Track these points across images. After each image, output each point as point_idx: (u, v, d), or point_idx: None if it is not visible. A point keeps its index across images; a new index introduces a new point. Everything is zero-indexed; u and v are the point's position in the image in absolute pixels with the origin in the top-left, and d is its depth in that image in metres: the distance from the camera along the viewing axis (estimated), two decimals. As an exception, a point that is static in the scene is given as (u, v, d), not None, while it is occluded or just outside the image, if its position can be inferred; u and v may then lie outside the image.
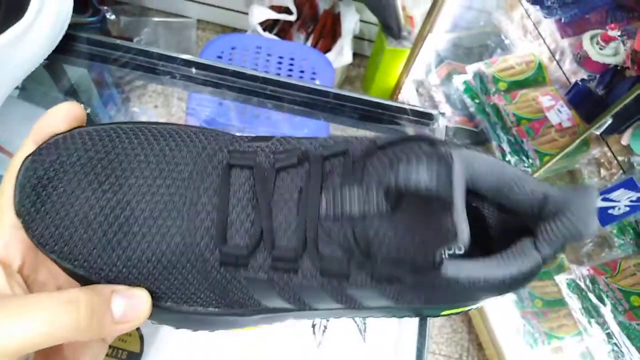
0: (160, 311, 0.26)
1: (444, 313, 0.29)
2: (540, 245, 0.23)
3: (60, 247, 0.24)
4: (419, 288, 0.24)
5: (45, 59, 0.44)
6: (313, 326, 0.42)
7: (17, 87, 0.48)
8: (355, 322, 0.42)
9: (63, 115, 0.26)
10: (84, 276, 0.25)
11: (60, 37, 0.45)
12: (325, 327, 0.42)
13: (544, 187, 0.24)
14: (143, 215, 0.24)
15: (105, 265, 0.24)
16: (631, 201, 0.90)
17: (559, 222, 0.23)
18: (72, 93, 0.54)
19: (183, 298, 0.26)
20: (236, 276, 0.25)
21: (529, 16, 1.10)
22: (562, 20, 1.02)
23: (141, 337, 0.39)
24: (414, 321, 0.42)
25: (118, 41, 0.48)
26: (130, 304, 0.24)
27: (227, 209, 0.25)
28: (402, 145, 0.24)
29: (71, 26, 0.46)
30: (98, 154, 0.25)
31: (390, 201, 0.23)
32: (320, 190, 0.24)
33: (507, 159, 1.15)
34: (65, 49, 0.47)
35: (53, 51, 0.44)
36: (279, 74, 1.07)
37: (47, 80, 0.51)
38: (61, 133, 0.26)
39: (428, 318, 0.42)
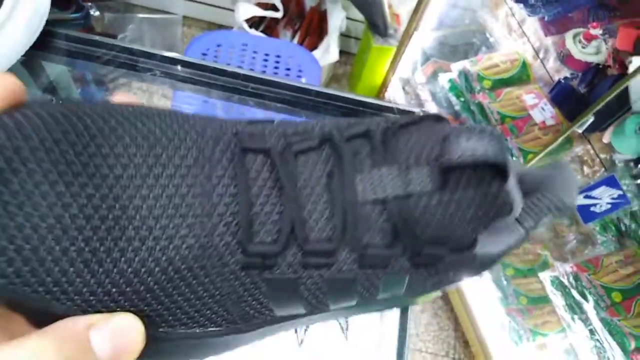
0: (152, 341, 0.20)
1: (419, 299, 0.28)
2: (524, 219, 0.24)
3: (17, 269, 0.17)
4: (446, 270, 0.24)
5: (22, 55, 0.43)
6: (295, 325, 0.42)
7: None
8: (338, 321, 0.42)
9: None
10: (50, 310, 0.18)
11: (37, 33, 0.44)
12: (308, 326, 0.42)
13: (518, 167, 0.24)
14: (140, 215, 0.19)
15: (87, 287, 0.18)
16: (612, 198, 0.91)
17: (541, 196, 0.23)
18: (50, 90, 0.53)
19: (182, 319, 0.21)
20: (257, 281, 0.21)
21: (513, 14, 1.11)
22: (546, 19, 1.03)
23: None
24: (396, 318, 0.42)
25: (97, 38, 0.48)
26: (117, 339, 0.18)
27: (250, 199, 0.21)
28: (422, 124, 0.23)
29: (54, 22, 0.45)
30: (68, 136, 0.18)
31: (437, 177, 0.21)
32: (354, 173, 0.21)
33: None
34: (43, 45, 0.46)
35: (31, 47, 0.43)
36: (264, 72, 1.07)
37: (24, 77, 0.50)
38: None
39: (410, 314, 0.42)
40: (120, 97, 0.23)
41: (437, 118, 0.24)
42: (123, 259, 0.19)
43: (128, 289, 0.19)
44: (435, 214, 0.22)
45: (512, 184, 0.22)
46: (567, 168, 0.24)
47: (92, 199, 0.18)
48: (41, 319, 0.18)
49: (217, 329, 0.22)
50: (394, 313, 0.42)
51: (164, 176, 0.20)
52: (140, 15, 1.63)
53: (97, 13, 1.48)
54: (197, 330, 0.22)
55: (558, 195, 0.23)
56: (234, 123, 0.23)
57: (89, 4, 1.40)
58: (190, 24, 1.72)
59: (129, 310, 0.19)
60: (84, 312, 0.18)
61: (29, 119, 0.18)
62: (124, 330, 0.18)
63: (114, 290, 0.19)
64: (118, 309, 0.19)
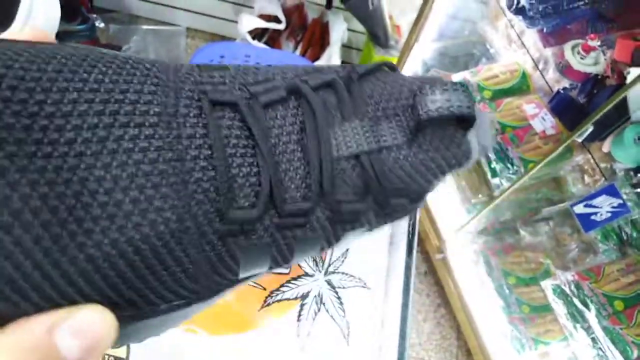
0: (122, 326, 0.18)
1: None
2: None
3: None
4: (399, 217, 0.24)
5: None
6: (297, 330, 0.42)
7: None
8: (339, 325, 0.43)
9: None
10: (4, 317, 0.15)
11: (47, 46, 0.45)
12: (310, 331, 0.42)
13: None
14: (104, 187, 0.16)
15: (48, 280, 0.15)
16: (613, 207, 0.92)
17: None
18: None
19: (149, 299, 0.18)
20: (232, 249, 0.19)
21: (512, 26, 1.12)
22: (545, 30, 1.04)
23: (126, 342, 0.39)
24: (396, 325, 0.42)
25: (105, 50, 0.49)
26: (85, 335, 0.15)
27: (227, 160, 0.18)
28: (379, 73, 0.23)
29: (60, 34, 0.47)
30: (6, 104, 0.14)
31: (408, 130, 0.21)
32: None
33: (492, 166, 1.17)
34: (52, 57, 0.47)
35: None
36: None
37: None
38: None
39: (411, 323, 0.43)
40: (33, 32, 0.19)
41: (390, 67, 0.24)
42: (90, 242, 0.15)
43: (97, 275, 0.16)
44: (404, 166, 0.21)
45: (473, 133, 0.22)
46: (484, 112, 0.24)
47: (44, 173, 0.15)
48: None
49: (182, 301, 0.20)
50: (395, 319, 0.43)
51: (126, 138, 0.16)
52: (145, 27, 1.65)
53: (102, 25, 1.50)
54: (162, 307, 0.19)
55: (480, 137, 0.23)
56: (188, 68, 0.20)
57: (94, 15, 1.43)
58: (193, 36, 1.75)
59: (94, 299, 0.16)
60: (41, 309, 0.15)
61: None
62: (91, 325, 0.16)
63: (80, 279, 0.16)
64: (82, 301, 0.16)
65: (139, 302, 0.18)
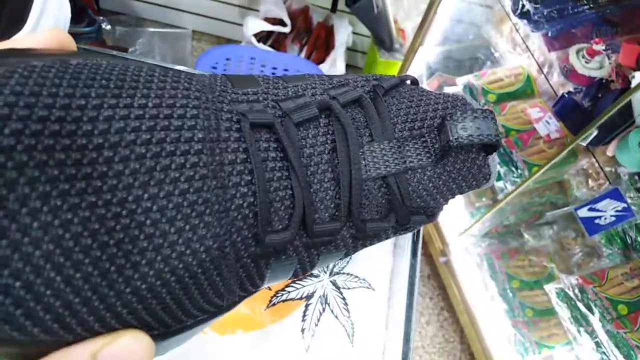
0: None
1: None
2: None
3: (7, 314, 0.13)
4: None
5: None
6: (302, 330, 0.43)
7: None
8: (344, 326, 0.43)
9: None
10: (43, 346, 0.15)
11: (58, 47, 0.46)
12: (314, 331, 0.43)
13: None
14: (151, 218, 0.15)
15: (93, 315, 0.15)
16: (617, 211, 0.92)
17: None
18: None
19: (181, 319, 0.18)
20: (262, 268, 0.20)
21: (517, 30, 1.13)
22: (549, 34, 1.04)
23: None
24: (401, 326, 0.43)
25: (114, 52, 0.50)
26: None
27: (266, 185, 0.18)
28: (402, 88, 0.24)
29: (68, 36, 0.47)
30: (48, 125, 0.14)
31: (435, 153, 0.22)
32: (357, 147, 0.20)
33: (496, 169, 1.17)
34: (62, 58, 0.48)
35: (51, 61, 0.45)
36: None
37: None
38: None
39: (415, 325, 0.43)
40: (49, 34, 0.18)
41: (413, 81, 0.25)
42: (137, 275, 0.15)
43: (140, 306, 0.16)
44: (427, 186, 0.22)
45: (495, 156, 0.23)
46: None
47: (94, 209, 0.14)
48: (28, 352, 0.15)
49: (207, 315, 0.20)
50: (400, 320, 0.43)
51: (173, 167, 0.16)
52: (151, 30, 1.66)
53: (109, 27, 1.52)
54: (189, 323, 0.19)
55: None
56: (222, 82, 0.20)
57: (101, 18, 1.44)
58: (199, 38, 1.76)
59: (131, 325, 0.16)
60: (83, 339, 0.15)
61: None
62: (131, 352, 0.16)
63: (124, 311, 0.16)
64: (120, 326, 0.16)
65: (170, 322, 0.18)
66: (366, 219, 0.21)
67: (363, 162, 0.21)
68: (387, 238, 0.24)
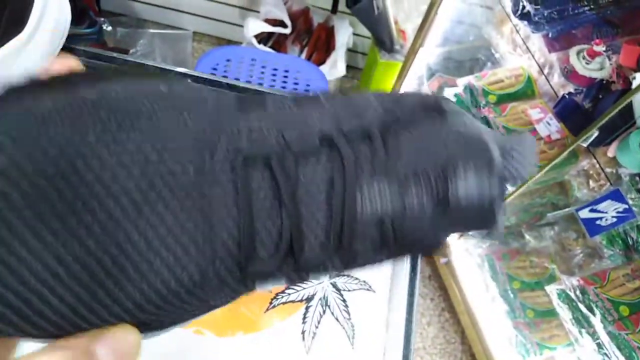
0: None
1: None
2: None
3: (8, 320, 0.16)
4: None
5: (43, 71, 0.45)
6: (302, 332, 0.43)
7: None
8: (344, 328, 0.43)
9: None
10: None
11: (59, 48, 0.46)
12: (315, 333, 0.43)
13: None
14: (138, 251, 0.17)
15: (86, 322, 0.18)
16: (618, 212, 0.92)
17: (505, 162, 0.23)
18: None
19: (173, 322, 0.21)
20: (249, 284, 0.21)
21: (517, 31, 1.13)
22: (550, 35, 1.04)
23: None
24: (401, 327, 0.42)
25: (115, 54, 0.50)
26: (119, 346, 0.18)
27: (253, 218, 0.19)
28: (424, 123, 0.22)
29: (68, 37, 0.47)
30: (44, 168, 0.16)
31: (436, 196, 0.21)
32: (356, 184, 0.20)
33: (497, 170, 1.17)
34: (63, 60, 0.48)
35: (51, 63, 0.45)
36: (273, 86, 1.09)
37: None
38: None
39: (415, 327, 0.43)
40: (62, 62, 0.20)
41: (439, 110, 0.23)
42: (124, 295, 0.17)
43: (127, 316, 0.18)
44: (426, 228, 0.22)
45: (500, 205, 0.22)
46: (530, 137, 0.24)
47: (85, 245, 0.16)
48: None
49: (198, 315, 0.22)
50: (400, 321, 0.43)
51: (160, 204, 0.17)
52: (152, 31, 1.66)
53: (110, 28, 1.52)
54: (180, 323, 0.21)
55: (523, 163, 0.23)
56: (231, 110, 0.21)
57: (102, 19, 1.44)
58: (200, 39, 1.76)
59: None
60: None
61: None
62: (123, 339, 0.18)
63: (112, 320, 0.18)
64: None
65: (155, 325, 0.20)
66: (358, 251, 0.21)
67: (359, 196, 0.20)
68: (379, 264, 0.24)
